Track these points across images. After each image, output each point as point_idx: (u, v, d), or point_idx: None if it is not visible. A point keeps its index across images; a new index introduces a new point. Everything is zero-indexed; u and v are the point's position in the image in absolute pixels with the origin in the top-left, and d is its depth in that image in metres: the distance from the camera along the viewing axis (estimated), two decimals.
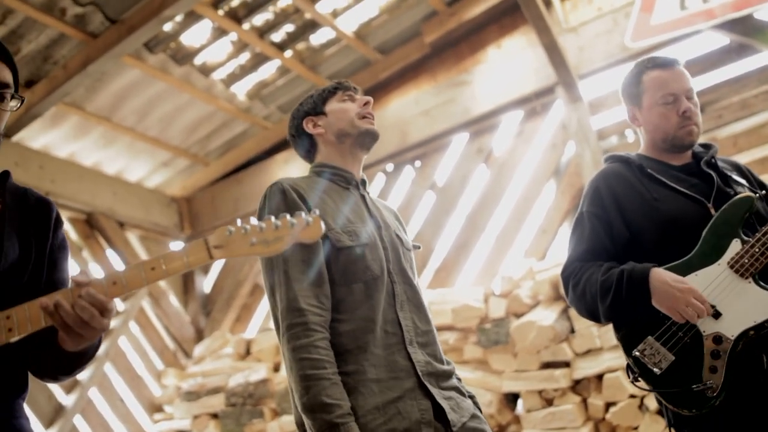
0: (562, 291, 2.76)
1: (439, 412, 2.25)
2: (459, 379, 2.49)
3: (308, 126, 2.61)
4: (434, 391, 2.28)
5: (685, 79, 2.74)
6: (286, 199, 2.34)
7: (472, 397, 2.47)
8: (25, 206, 2.04)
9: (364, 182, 2.62)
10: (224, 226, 1.77)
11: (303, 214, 1.81)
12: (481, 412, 2.46)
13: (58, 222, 2.09)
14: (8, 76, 1.97)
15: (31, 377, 2.02)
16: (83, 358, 1.93)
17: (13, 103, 1.99)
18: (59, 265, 2.04)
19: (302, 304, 2.21)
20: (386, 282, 2.37)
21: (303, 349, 2.15)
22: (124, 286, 1.74)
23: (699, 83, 5.41)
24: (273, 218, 1.77)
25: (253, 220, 1.78)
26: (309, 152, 2.67)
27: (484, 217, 6.22)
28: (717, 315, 2.38)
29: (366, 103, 2.62)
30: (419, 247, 2.73)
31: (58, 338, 1.80)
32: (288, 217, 1.79)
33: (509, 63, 6.20)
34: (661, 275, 2.43)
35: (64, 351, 1.82)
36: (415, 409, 2.22)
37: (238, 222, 1.77)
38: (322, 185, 2.49)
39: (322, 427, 2.08)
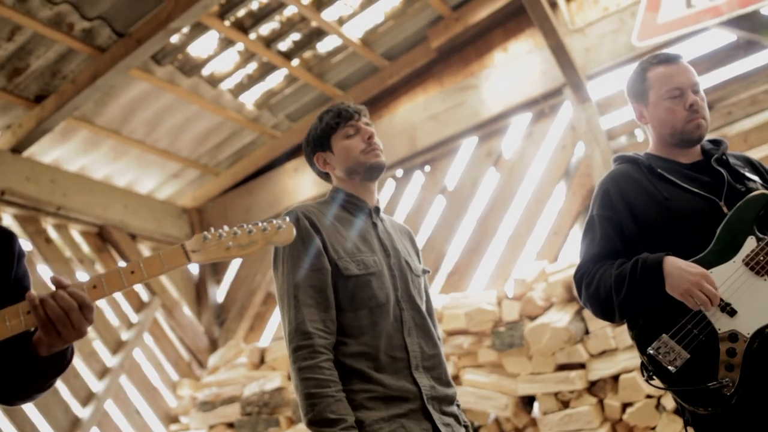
0: (575, 293, 2.76)
1: None
2: (458, 406, 2.63)
3: (319, 163, 2.76)
4: (435, 416, 2.42)
5: (690, 73, 2.74)
6: (299, 227, 2.46)
7: (467, 427, 2.58)
8: None
9: (378, 210, 2.74)
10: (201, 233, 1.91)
11: (275, 219, 1.98)
12: None
13: (21, 253, 2.13)
14: None
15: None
16: (56, 366, 1.93)
17: None
18: (26, 289, 2.06)
19: (309, 327, 2.36)
20: (393, 309, 2.52)
21: (309, 370, 2.30)
22: (104, 289, 1.82)
23: (707, 81, 5.41)
24: (246, 225, 1.94)
25: (226, 228, 1.93)
26: (326, 178, 2.83)
27: (496, 220, 6.22)
28: (732, 312, 2.37)
29: (370, 137, 2.69)
30: (428, 271, 2.83)
31: (33, 342, 1.84)
32: (260, 223, 1.96)
33: (516, 66, 6.20)
34: (674, 261, 2.43)
35: (37, 358, 1.85)
36: (417, 428, 2.37)
37: (212, 229, 1.92)
38: (334, 212, 2.65)
39: None
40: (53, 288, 1.79)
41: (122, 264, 2.07)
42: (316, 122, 2.77)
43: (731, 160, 2.73)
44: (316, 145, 2.74)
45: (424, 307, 2.63)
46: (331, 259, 2.47)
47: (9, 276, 2.05)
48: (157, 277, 1.91)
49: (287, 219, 1.99)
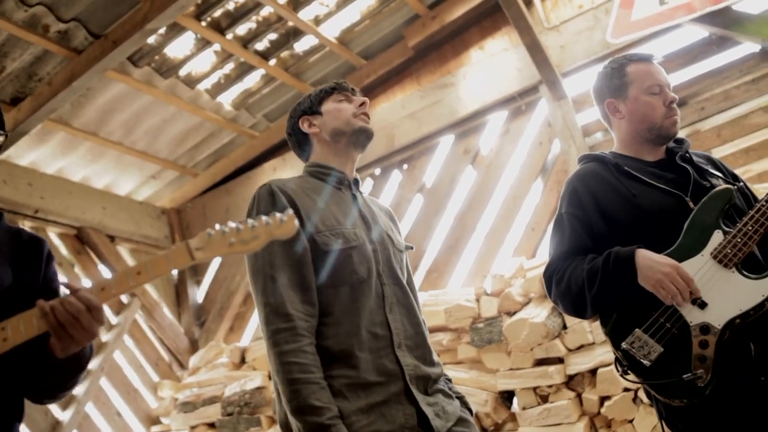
0: (545, 290, 2.78)
1: (423, 418, 2.27)
2: (449, 380, 2.52)
3: (304, 125, 2.66)
4: (419, 397, 2.29)
5: (664, 73, 2.84)
6: (275, 201, 2.37)
7: (460, 398, 2.48)
8: (18, 242, 2.17)
9: (357, 182, 2.65)
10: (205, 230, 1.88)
11: (277, 213, 1.91)
12: (470, 411, 2.48)
13: (50, 257, 2.22)
14: None
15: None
16: (74, 366, 2.01)
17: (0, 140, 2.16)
18: (54, 291, 2.16)
19: (289, 309, 2.23)
20: (375, 284, 2.39)
21: (291, 354, 2.17)
22: (112, 291, 1.85)
23: (680, 76, 5.48)
24: (249, 220, 1.89)
25: (231, 223, 1.89)
26: (304, 151, 2.71)
27: (474, 217, 6.25)
28: (703, 305, 2.41)
29: (362, 104, 2.64)
30: (412, 248, 2.73)
31: (49, 345, 1.89)
32: (263, 217, 1.90)
33: (492, 64, 6.24)
34: (646, 253, 2.47)
35: (55, 360, 1.91)
36: (400, 413, 2.25)
37: (217, 226, 1.88)
38: (313, 186, 2.52)
39: (313, 428, 2.10)
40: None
41: (103, 266, 2.10)
42: (311, 91, 2.73)
43: (695, 158, 2.79)
44: (306, 109, 2.67)
45: (406, 282, 2.54)
46: (308, 234, 2.34)
47: (38, 278, 2.14)
48: (163, 276, 1.93)
49: (289, 212, 1.94)
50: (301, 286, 2.28)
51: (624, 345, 2.46)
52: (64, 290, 1.88)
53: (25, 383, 2.03)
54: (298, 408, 2.13)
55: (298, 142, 2.72)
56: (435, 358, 2.49)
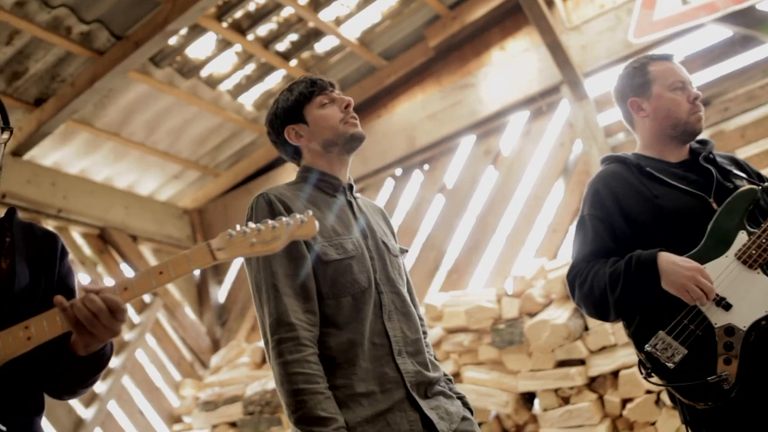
0: (568, 293, 2.76)
1: (427, 422, 2.25)
2: (449, 380, 2.50)
3: (290, 136, 2.55)
4: (422, 403, 2.28)
5: (686, 71, 2.83)
6: (272, 210, 2.33)
7: (461, 398, 2.47)
8: (32, 238, 2.15)
9: (351, 187, 2.57)
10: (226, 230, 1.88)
11: (297, 214, 1.92)
12: (471, 411, 2.47)
13: (64, 252, 2.20)
14: None
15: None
16: (95, 365, 2.01)
17: (5, 136, 2.10)
18: (70, 287, 2.15)
19: (292, 318, 2.19)
20: (373, 293, 2.35)
21: (295, 364, 2.14)
22: (134, 291, 1.85)
23: (704, 76, 5.43)
24: (270, 221, 1.90)
25: (252, 224, 1.91)
26: (294, 157, 2.64)
27: (495, 217, 6.23)
28: (728, 306, 2.39)
29: (347, 105, 2.54)
30: (407, 251, 2.67)
31: (71, 344, 1.90)
32: (283, 218, 1.92)
33: (513, 64, 6.22)
34: (669, 257, 2.45)
35: (76, 358, 1.92)
36: (404, 420, 2.23)
37: (238, 226, 1.89)
38: (308, 193, 2.47)
39: None
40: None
41: (125, 266, 2.09)
42: (286, 93, 2.58)
43: (718, 159, 2.77)
44: (287, 116, 2.54)
45: (404, 290, 2.48)
46: (308, 244, 2.29)
47: (53, 275, 2.12)
48: (186, 275, 1.93)
49: (310, 212, 1.95)
50: (303, 295, 2.25)
51: (647, 347, 2.44)
52: (81, 285, 1.89)
53: (45, 379, 2.04)
54: (303, 418, 2.10)
55: (285, 149, 2.64)
56: (434, 361, 2.47)
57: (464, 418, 2.37)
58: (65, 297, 1.83)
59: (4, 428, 1.85)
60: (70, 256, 2.41)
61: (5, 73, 5.63)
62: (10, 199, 6.10)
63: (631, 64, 2.89)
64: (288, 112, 2.55)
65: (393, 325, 2.36)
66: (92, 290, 1.81)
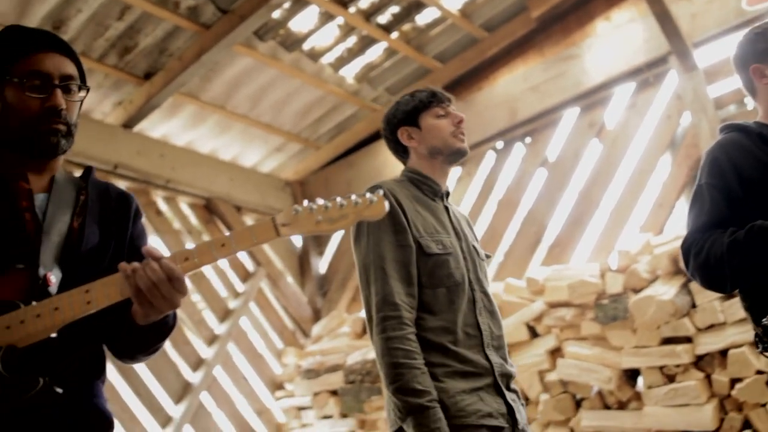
0: (682, 264, 2.68)
1: (509, 410, 2.51)
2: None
3: (402, 137, 2.83)
4: (505, 392, 2.53)
5: None
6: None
7: (523, 406, 2.68)
8: (106, 199, 2.16)
9: (448, 194, 2.86)
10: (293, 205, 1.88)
11: (367, 193, 1.91)
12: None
13: (138, 214, 2.21)
14: (72, 69, 2.08)
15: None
16: (155, 336, 2.01)
17: (82, 94, 2.10)
18: (139, 250, 2.12)
19: (397, 299, 2.45)
20: (467, 289, 2.61)
21: (397, 340, 2.40)
22: (195, 261, 1.85)
23: None
24: (338, 198, 1.87)
25: (320, 200, 1.88)
26: (401, 155, 2.91)
27: (598, 192, 6.11)
28: None
29: (459, 122, 2.81)
30: (491, 257, 2.99)
31: (131, 312, 1.89)
32: (353, 196, 1.88)
33: (619, 34, 6.05)
34: None
35: (136, 326, 1.91)
36: (493, 401, 2.47)
37: (305, 202, 1.87)
38: (413, 193, 2.73)
39: (413, 408, 2.33)
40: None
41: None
42: (408, 97, 2.85)
43: None
44: (404, 118, 2.82)
45: (490, 290, 2.75)
46: (414, 236, 2.57)
47: (125, 236, 2.14)
48: (248, 249, 1.93)
49: (380, 192, 1.91)
50: (407, 280, 2.51)
51: (765, 320, 2.36)
52: (144, 248, 1.86)
53: (106, 342, 2.05)
54: (400, 389, 2.36)
55: (395, 147, 2.90)
56: (510, 359, 2.72)
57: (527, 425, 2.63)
58: (136, 260, 1.84)
59: (60, 390, 1.82)
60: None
61: (117, 48, 5.82)
62: (121, 169, 6.33)
63: (753, 30, 2.76)
64: (406, 115, 2.83)
65: (483, 320, 2.62)
66: (153, 256, 1.81)
